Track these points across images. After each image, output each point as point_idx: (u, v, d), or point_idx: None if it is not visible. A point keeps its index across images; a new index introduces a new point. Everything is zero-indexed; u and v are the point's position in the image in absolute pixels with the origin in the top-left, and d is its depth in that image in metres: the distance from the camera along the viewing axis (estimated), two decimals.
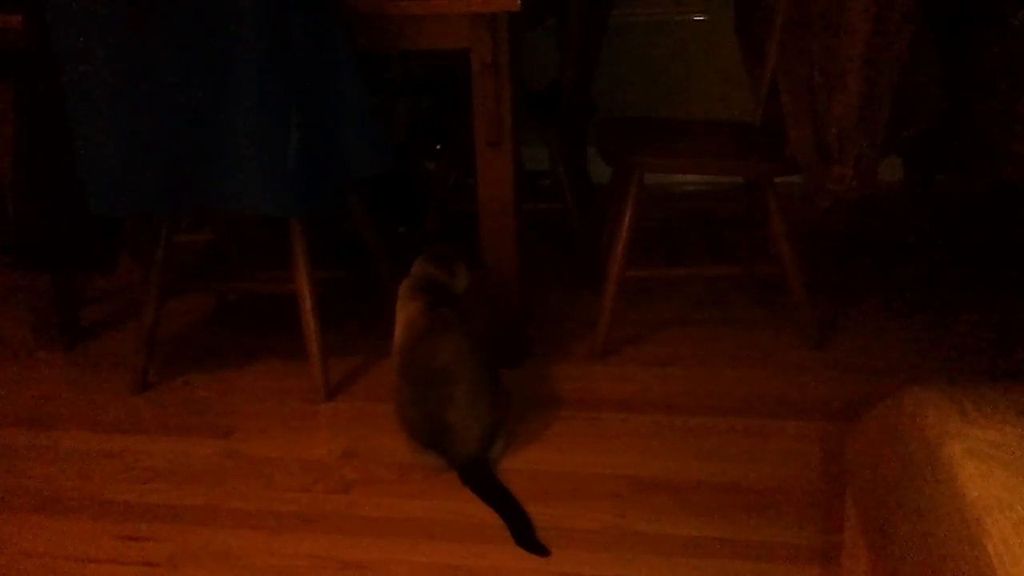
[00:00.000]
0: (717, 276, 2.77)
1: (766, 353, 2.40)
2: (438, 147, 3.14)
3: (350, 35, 2.04)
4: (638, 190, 2.30)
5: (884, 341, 2.42)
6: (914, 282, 2.76)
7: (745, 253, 2.79)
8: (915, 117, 2.12)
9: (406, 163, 3.20)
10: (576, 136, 3.09)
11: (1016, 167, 2.17)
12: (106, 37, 1.97)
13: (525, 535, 1.73)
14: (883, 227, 3.24)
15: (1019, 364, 2.26)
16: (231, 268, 2.95)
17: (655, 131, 2.61)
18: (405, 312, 2.00)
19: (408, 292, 2.03)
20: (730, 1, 2.74)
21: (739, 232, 3.00)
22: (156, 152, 2.03)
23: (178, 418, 2.22)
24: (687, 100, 3.67)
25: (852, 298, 2.67)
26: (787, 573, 1.62)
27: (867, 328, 2.50)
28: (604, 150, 2.45)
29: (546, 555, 1.69)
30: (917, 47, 2.05)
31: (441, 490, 1.89)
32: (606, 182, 2.82)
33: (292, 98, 1.99)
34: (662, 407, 2.16)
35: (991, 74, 2.20)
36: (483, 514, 1.80)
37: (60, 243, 2.33)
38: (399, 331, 2.00)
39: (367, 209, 2.52)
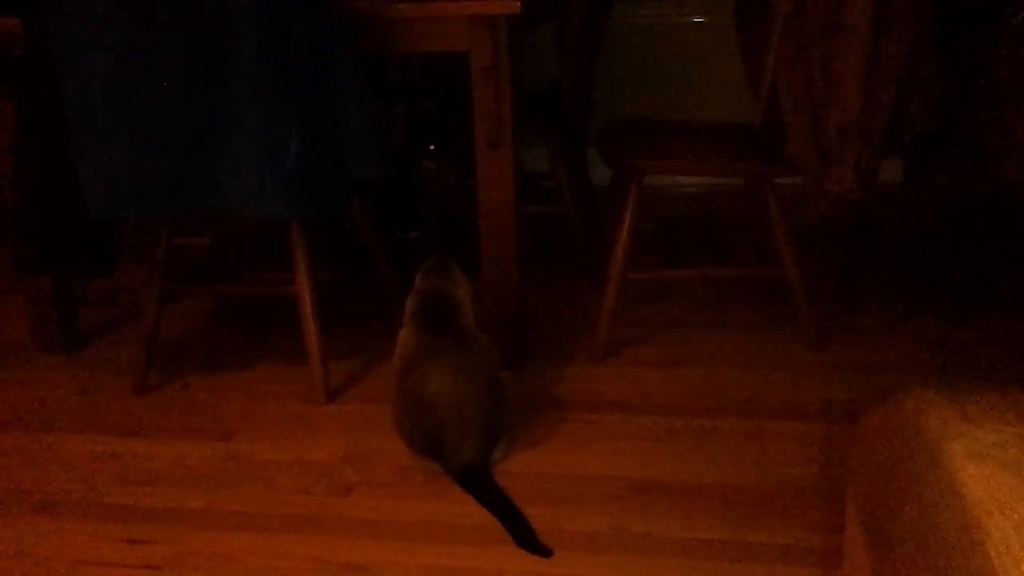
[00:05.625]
0: (717, 278, 2.77)
1: (767, 355, 2.39)
2: (432, 147, 3.13)
3: (351, 37, 2.04)
4: (638, 191, 2.30)
5: (885, 342, 2.42)
6: (915, 283, 2.76)
7: (745, 255, 2.79)
8: (915, 118, 2.12)
9: (406, 165, 3.20)
10: (576, 138, 3.09)
11: (1016, 168, 2.17)
12: (106, 40, 1.97)
13: (525, 537, 1.72)
14: (884, 228, 3.23)
15: (1020, 365, 2.26)
16: (231, 270, 2.95)
17: (655, 133, 2.61)
18: (401, 336, 2.03)
19: (408, 315, 2.06)
20: (730, 3, 2.74)
21: (739, 234, 3.00)
22: (156, 155, 2.03)
23: (179, 421, 2.22)
24: (687, 102, 3.67)
25: (853, 299, 2.67)
26: (788, 575, 1.62)
27: (868, 329, 2.50)
28: (604, 152, 2.45)
29: (549, 556, 1.68)
30: (917, 47, 2.05)
31: (442, 492, 1.89)
32: (606, 184, 2.82)
33: (292, 99, 1.99)
34: (663, 409, 2.16)
35: (991, 74, 2.20)
36: (484, 516, 1.80)
37: (60, 247, 2.33)
38: (397, 351, 2.02)
39: (367, 211, 2.52)
